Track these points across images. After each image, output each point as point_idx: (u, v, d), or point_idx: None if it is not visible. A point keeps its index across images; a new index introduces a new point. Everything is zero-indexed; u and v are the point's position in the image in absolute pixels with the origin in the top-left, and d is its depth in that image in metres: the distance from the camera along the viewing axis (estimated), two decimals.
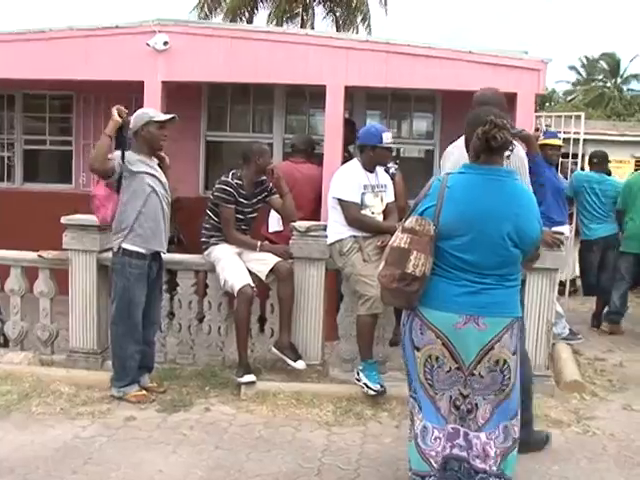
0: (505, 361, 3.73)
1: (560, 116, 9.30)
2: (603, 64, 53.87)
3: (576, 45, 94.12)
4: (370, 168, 5.96)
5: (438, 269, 3.66)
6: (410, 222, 3.66)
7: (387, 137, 5.91)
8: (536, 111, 8.43)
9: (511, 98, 7.07)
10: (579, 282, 9.67)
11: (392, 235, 3.79)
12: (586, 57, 54.53)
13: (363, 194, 5.86)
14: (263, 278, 6.06)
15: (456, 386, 3.74)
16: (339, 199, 5.83)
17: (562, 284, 8.48)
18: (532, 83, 7.04)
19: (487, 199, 3.64)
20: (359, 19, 26.97)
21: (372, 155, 5.91)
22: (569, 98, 52.74)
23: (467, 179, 3.69)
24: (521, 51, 7.99)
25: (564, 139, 8.50)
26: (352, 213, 5.83)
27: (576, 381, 6.14)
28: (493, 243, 3.62)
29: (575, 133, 8.60)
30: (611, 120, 36.31)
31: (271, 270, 6.03)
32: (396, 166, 6.79)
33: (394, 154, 7.84)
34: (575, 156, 9.03)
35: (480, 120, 3.65)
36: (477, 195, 3.65)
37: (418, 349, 3.74)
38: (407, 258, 3.58)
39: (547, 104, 43.80)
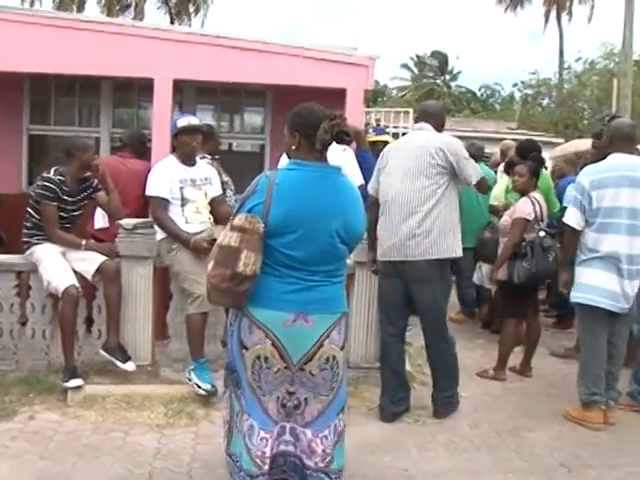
0: (334, 357, 3.74)
1: (390, 112, 9.51)
2: (433, 61, 55.71)
3: (411, 42, 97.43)
4: (186, 160, 5.88)
5: (266, 267, 3.60)
6: (239, 220, 3.57)
7: (182, 122, 5.85)
8: (368, 106, 8.58)
9: (340, 94, 7.17)
10: None
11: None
12: (417, 55, 56.31)
13: (182, 188, 5.77)
14: (89, 278, 5.81)
15: (283, 386, 3.70)
16: (147, 195, 5.75)
17: None
18: (361, 79, 7.17)
19: (316, 196, 3.62)
20: (192, 10, 26.61)
21: (177, 145, 5.89)
22: (402, 94, 54.23)
23: (296, 176, 3.66)
24: (350, 47, 8.13)
25: (394, 134, 8.68)
26: (153, 208, 5.79)
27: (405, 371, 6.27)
28: (322, 240, 3.62)
29: (404, 128, 8.81)
30: None
31: (97, 269, 5.79)
32: (213, 158, 6.64)
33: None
34: None
35: (319, 115, 3.65)
36: (306, 192, 3.62)
37: (246, 348, 3.67)
38: (237, 257, 3.50)
39: (380, 99, 44.88)
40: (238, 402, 3.85)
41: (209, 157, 6.50)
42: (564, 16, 40.83)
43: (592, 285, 5.38)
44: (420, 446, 5.02)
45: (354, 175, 6.19)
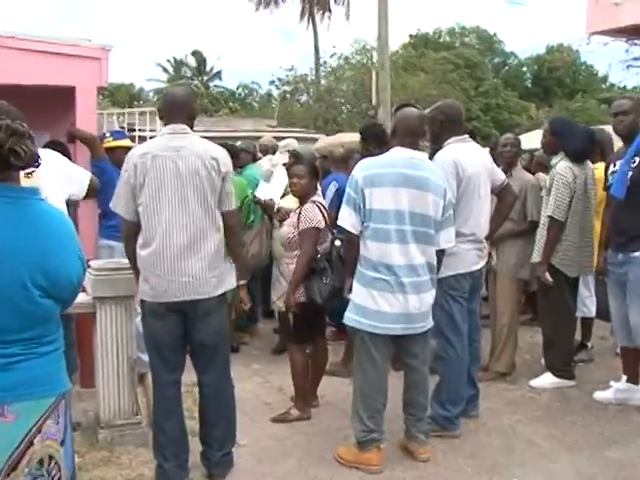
0: (51, 457, 2.61)
1: (133, 112, 8.43)
2: (192, 62, 54.96)
3: (169, 42, 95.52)
4: None
5: None
6: None
7: None
8: (124, 107, 7.51)
9: (69, 92, 6.02)
10: None
11: None
12: (174, 57, 55.26)
13: None
14: None
15: None
16: None
17: None
18: (92, 74, 6.00)
19: None
20: None
21: None
22: (159, 96, 53.01)
23: None
24: (83, 39, 6.94)
25: (140, 137, 7.62)
26: None
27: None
28: (10, 295, 2.47)
29: (151, 131, 7.74)
30: (199, 116, 36.85)
31: None
32: None
33: None
34: None
35: None
36: None
37: None
38: None
39: (136, 102, 43.38)
40: None
41: None
42: (321, 14, 41.29)
43: (370, 308, 4.50)
44: None
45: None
